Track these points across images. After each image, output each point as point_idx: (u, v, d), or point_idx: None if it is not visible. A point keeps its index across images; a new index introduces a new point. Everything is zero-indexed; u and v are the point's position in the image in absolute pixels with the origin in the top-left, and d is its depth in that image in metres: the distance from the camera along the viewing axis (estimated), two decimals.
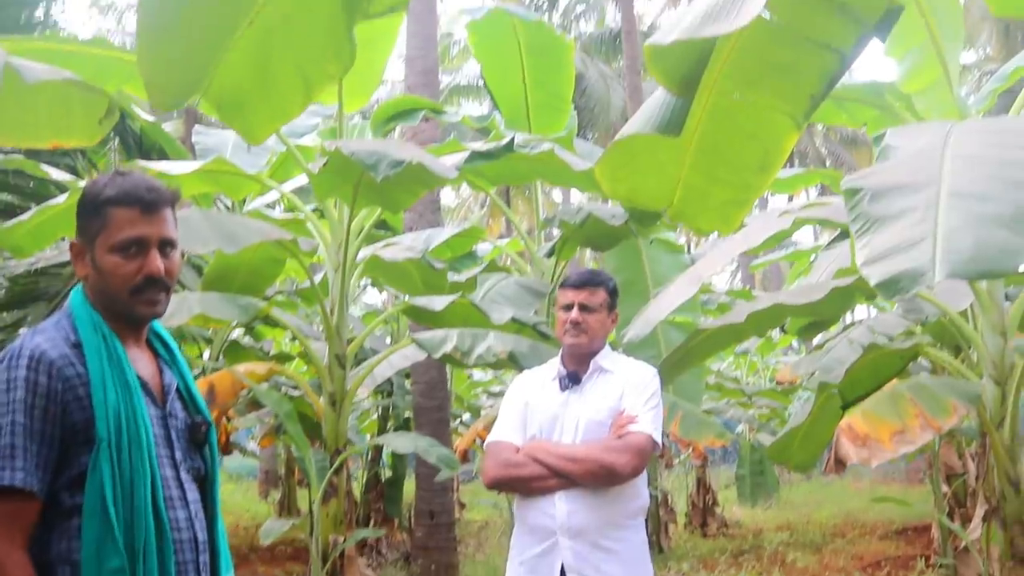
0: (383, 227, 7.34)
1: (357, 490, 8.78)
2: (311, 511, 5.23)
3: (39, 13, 7.65)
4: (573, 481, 3.05)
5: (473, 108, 25.32)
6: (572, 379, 3.23)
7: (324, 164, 4.46)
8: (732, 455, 17.82)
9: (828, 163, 29.64)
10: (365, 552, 8.28)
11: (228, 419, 7.36)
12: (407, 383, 8.42)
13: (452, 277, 6.59)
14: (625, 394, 3.15)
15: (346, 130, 5.68)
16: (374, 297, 16.66)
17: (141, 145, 7.10)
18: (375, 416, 10.56)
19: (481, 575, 7.92)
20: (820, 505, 13.70)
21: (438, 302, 5.22)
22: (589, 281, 3.27)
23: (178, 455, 2.03)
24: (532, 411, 3.23)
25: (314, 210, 5.92)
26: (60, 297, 6.05)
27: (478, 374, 13.45)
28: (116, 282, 1.97)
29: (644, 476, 3.19)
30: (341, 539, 5.12)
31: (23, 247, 5.06)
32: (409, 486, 9.32)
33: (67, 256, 2.00)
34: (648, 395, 3.16)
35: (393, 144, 4.96)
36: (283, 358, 9.74)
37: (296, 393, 7.23)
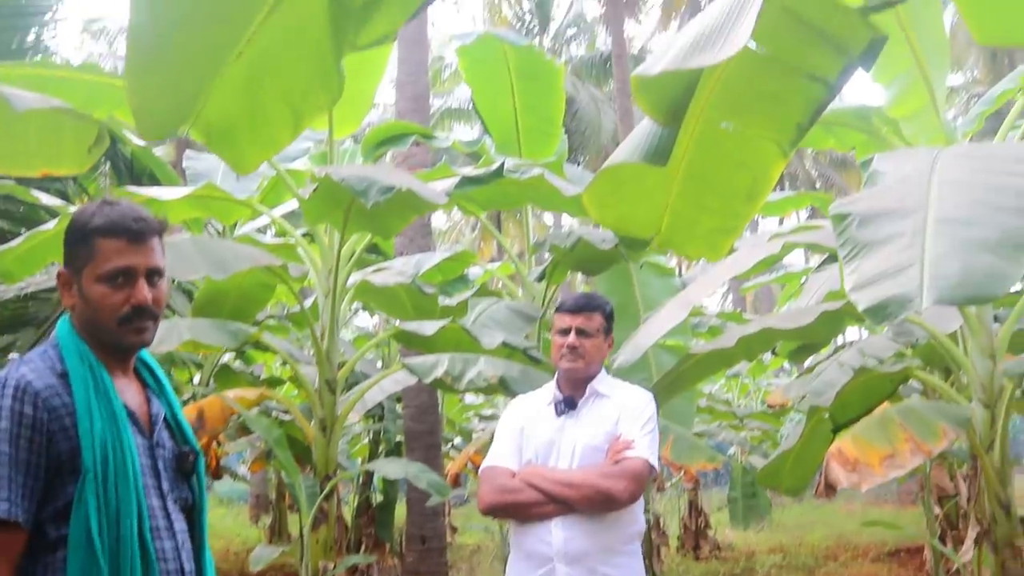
0: (374, 251, 7.34)
1: (348, 514, 8.73)
2: (301, 537, 5.20)
3: (31, 38, 7.66)
4: (570, 507, 3.04)
5: (465, 131, 25.41)
6: (568, 404, 3.23)
7: (314, 190, 4.47)
8: (724, 477, 17.80)
9: (818, 185, 29.81)
10: None
11: (218, 444, 7.32)
12: (398, 407, 8.40)
13: (443, 301, 6.58)
14: (621, 419, 3.15)
15: (337, 155, 5.69)
16: (366, 320, 16.63)
17: (132, 170, 7.11)
18: (366, 440, 10.51)
19: None
20: (812, 527, 13.68)
21: (428, 327, 5.21)
22: (586, 306, 3.27)
23: (165, 485, 2.03)
24: (528, 436, 3.21)
25: (304, 235, 5.92)
26: (49, 322, 6.03)
27: (470, 397, 13.42)
28: (104, 312, 1.97)
29: (641, 501, 3.19)
30: (331, 565, 5.09)
31: (12, 272, 5.05)
32: (401, 510, 9.28)
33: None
34: (644, 420, 3.15)
35: (383, 170, 4.97)
36: (274, 382, 9.70)
37: (287, 417, 7.20)
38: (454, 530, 12.41)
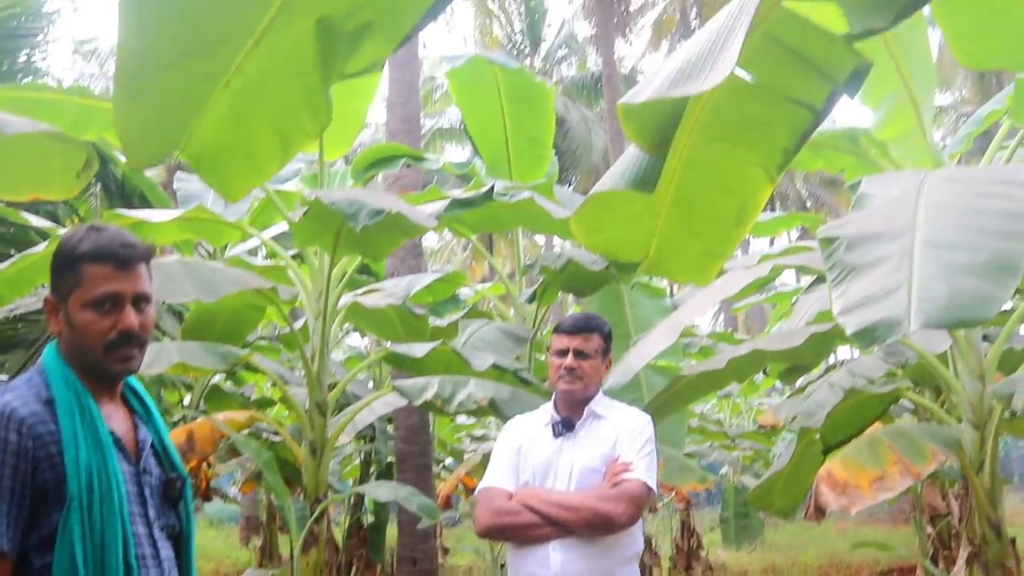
0: (365, 272, 7.33)
1: (339, 535, 8.68)
2: (292, 560, 5.17)
3: (22, 60, 7.68)
4: (568, 530, 3.02)
5: (456, 151, 25.51)
6: (566, 425, 3.21)
7: (304, 213, 4.47)
8: (716, 497, 17.74)
9: (809, 204, 29.91)
10: None
11: (208, 465, 7.29)
12: (389, 428, 8.37)
13: (434, 322, 6.57)
14: (619, 441, 3.14)
15: (328, 176, 5.70)
16: (358, 340, 16.59)
17: (123, 191, 7.10)
18: (357, 461, 10.47)
19: None
20: (805, 547, 13.67)
21: (419, 349, 5.21)
22: (584, 327, 3.26)
23: (151, 512, 2.01)
24: (524, 457, 3.20)
25: (295, 256, 5.91)
26: (39, 344, 6.01)
27: (461, 418, 13.35)
28: (90, 338, 1.96)
29: (640, 523, 3.18)
30: None
31: (2, 294, 5.03)
32: (392, 531, 9.24)
33: None
34: (642, 442, 3.15)
35: (373, 193, 4.97)
36: (265, 403, 9.67)
37: (277, 439, 7.17)
38: (445, 551, 12.35)
